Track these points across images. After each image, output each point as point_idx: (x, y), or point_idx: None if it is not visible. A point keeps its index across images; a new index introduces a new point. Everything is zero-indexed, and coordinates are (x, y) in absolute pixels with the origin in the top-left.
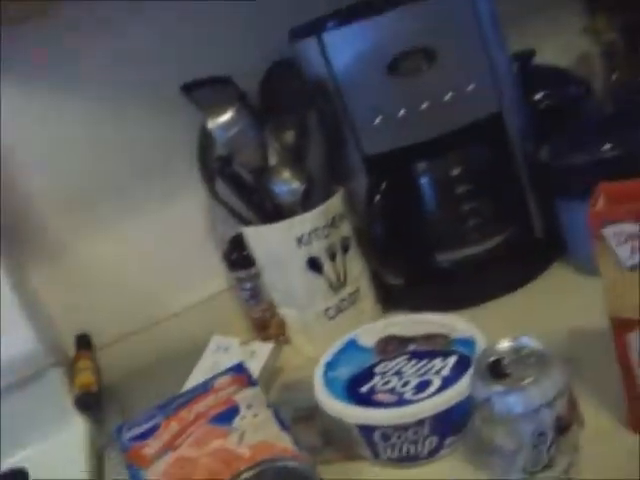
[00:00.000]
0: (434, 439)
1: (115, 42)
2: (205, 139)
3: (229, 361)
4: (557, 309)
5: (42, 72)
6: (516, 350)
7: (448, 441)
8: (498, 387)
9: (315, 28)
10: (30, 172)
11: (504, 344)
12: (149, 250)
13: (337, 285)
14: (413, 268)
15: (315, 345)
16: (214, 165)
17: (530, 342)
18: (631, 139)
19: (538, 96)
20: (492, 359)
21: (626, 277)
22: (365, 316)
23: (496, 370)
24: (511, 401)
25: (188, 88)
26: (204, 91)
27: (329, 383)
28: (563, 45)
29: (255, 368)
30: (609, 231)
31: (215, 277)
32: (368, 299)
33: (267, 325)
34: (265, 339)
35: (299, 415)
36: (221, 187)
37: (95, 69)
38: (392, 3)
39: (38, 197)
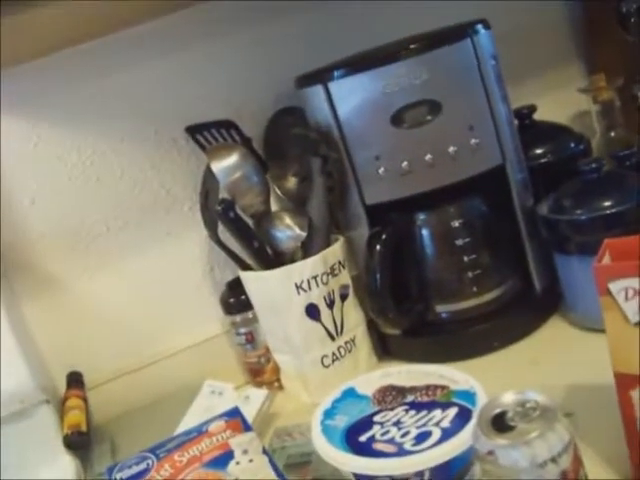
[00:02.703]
0: None
1: (121, 80)
2: (209, 182)
3: (223, 405)
4: (555, 364)
5: (47, 112)
6: (520, 403)
7: None
8: (502, 440)
9: (322, 77)
10: (29, 209)
11: (508, 397)
12: (145, 290)
13: (334, 333)
14: (411, 319)
15: (310, 392)
16: (216, 208)
17: (535, 396)
18: (630, 197)
19: (538, 151)
20: (496, 412)
21: (632, 333)
22: (360, 365)
23: (500, 423)
24: (516, 455)
25: (192, 130)
26: (208, 134)
27: (327, 431)
28: (562, 103)
29: (249, 413)
30: (616, 286)
31: (211, 320)
32: (364, 348)
33: (262, 371)
34: (259, 385)
35: (293, 462)
36: (221, 230)
37: (101, 109)
38: (399, 55)
39: (36, 233)
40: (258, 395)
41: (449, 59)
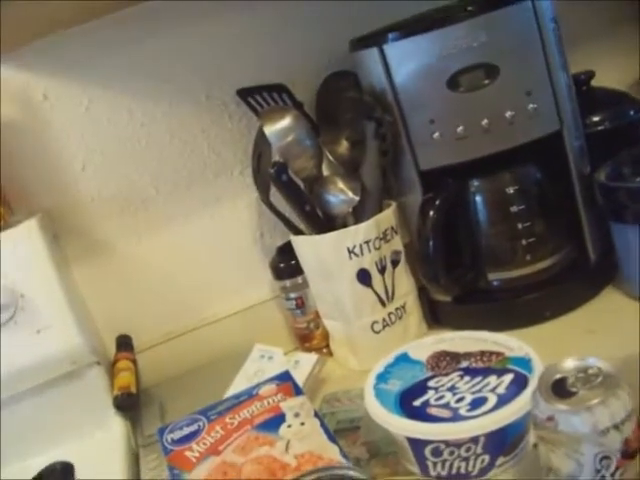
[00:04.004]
0: (486, 458)
1: (173, 43)
2: (261, 145)
3: (272, 370)
4: (610, 334)
5: (97, 75)
6: (582, 369)
7: (499, 461)
8: (563, 406)
9: (377, 39)
10: (80, 172)
11: (569, 363)
12: (195, 254)
13: (385, 299)
14: (462, 286)
15: (359, 358)
16: (269, 170)
17: (597, 362)
18: None
19: (595, 118)
20: (556, 377)
21: None
22: (410, 332)
23: (560, 389)
24: (577, 421)
25: (244, 93)
26: (260, 98)
27: (380, 395)
28: (621, 69)
29: (299, 378)
30: None
31: (261, 285)
32: (414, 315)
33: (311, 336)
34: (307, 350)
35: (342, 427)
36: (272, 194)
37: (152, 71)
38: (456, 17)
39: (87, 196)
40: (308, 360)
41: (508, 21)
